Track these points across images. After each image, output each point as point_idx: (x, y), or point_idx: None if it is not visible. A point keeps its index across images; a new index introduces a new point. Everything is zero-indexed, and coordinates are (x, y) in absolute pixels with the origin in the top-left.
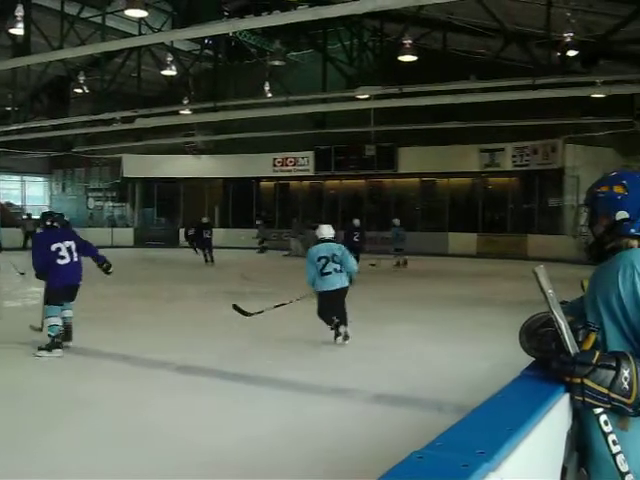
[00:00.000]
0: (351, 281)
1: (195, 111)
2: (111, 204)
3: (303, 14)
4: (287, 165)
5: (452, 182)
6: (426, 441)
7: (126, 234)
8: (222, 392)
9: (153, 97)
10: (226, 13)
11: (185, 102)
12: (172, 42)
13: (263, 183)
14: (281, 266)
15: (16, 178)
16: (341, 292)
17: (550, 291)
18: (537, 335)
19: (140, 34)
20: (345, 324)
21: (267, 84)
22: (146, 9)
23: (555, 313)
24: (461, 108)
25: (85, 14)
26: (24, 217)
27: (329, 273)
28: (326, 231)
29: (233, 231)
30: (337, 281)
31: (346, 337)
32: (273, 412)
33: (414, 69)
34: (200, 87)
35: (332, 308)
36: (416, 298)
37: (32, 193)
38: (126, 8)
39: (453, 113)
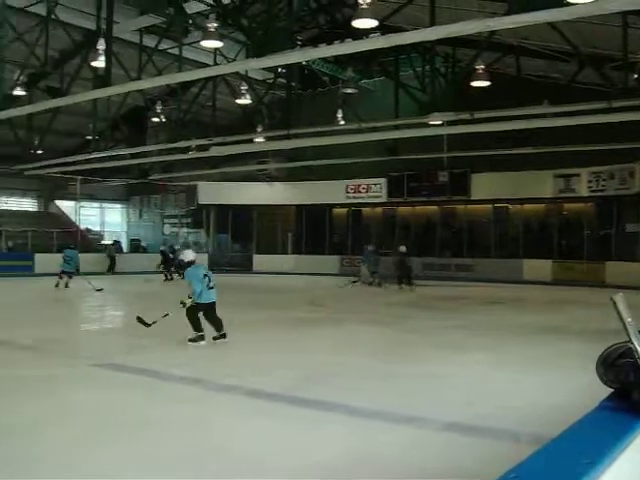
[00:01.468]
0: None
1: (269, 139)
2: (186, 230)
3: (375, 42)
4: (360, 192)
5: (526, 208)
6: (501, 472)
7: (201, 260)
8: (291, 417)
9: (228, 125)
10: (299, 42)
11: (259, 130)
12: (246, 71)
13: (336, 210)
14: (350, 292)
15: (95, 205)
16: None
17: (629, 319)
18: (615, 366)
19: (215, 64)
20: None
21: (340, 111)
22: (221, 40)
23: (635, 343)
24: (535, 133)
25: (163, 46)
26: (109, 243)
27: (213, 287)
28: (192, 255)
29: (306, 257)
30: (216, 294)
31: (225, 336)
32: (342, 438)
33: (487, 94)
34: (274, 115)
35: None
36: (488, 325)
37: (110, 219)
38: (202, 39)
39: (527, 138)
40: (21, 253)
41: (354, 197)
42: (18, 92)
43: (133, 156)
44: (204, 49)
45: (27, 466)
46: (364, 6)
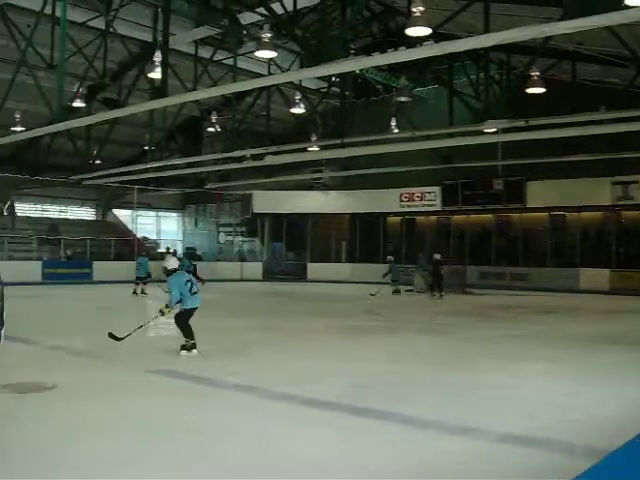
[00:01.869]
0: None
1: (323, 148)
2: (241, 239)
3: (429, 50)
4: (414, 200)
5: (583, 216)
6: None
7: (255, 268)
8: (347, 426)
9: (282, 134)
10: (352, 51)
11: (313, 139)
12: (300, 81)
13: (390, 218)
14: (404, 301)
15: (152, 213)
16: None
17: None
18: None
19: (269, 74)
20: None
21: (393, 120)
22: (275, 50)
23: None
24: (592, 140)
25: (218, 57)
26: (165, 250)
27: (197, 292)
28: (174, 262)
29: (360, 266)
30: (200, 299)
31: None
32: (398, 448)
33: (542, 101)
34: (327, 124)
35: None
36: (544, 335)
37: (166, 228)
38: (256, 50)
39: (583, 145)
40: (80, 261)
41: (408, 206)
42: (77, 104)
43: (189, 165)
44: (258, 59)
45: (76, 468)
46: (417, 14)
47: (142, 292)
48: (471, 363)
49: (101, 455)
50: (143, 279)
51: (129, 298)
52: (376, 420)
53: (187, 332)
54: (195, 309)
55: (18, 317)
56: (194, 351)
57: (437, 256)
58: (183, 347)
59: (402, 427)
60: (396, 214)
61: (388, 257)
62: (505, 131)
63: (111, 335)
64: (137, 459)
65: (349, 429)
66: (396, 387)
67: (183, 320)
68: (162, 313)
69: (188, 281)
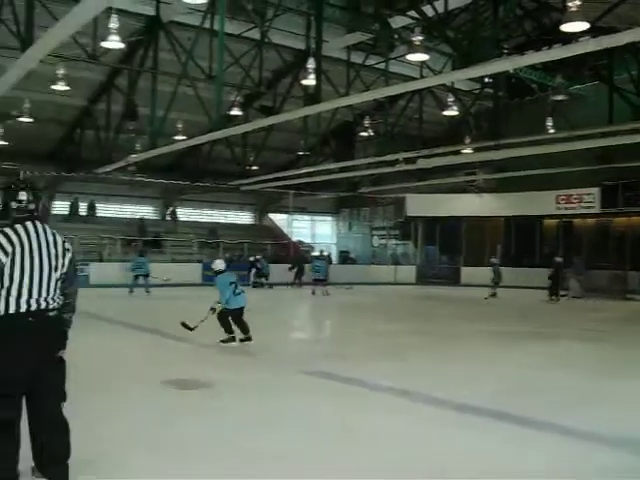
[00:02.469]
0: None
1: (476, 150)
2: (394, 242)
3: (585, 45)
4: (571, 202)
5: None
6: None
7: (408, 272)
8: (496, 433)
9: (434, 137)
10: (505, 51)
11: (466, 141)
12: (453, 83)
13: (546, 221)
14: (558, 306)
15: (306, 218)
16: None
17: None
18: None
19: (421, 77)
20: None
21: (549, 120)
22: (427, 52)
23: None
24: None
25: (369, 61)
26: (319, 253)
27: (240, 293)
28: (221, 264)
29: (515, 270)
30: (246, 299)
31: (250, 339)
32: (552, 458)
33: None
34: (480, 126)
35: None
36: None
37: (320, 231)
38: (408, 53)
39: None
40: (237, 264)
41: (565, 208)
42: (235, 112)
43: (342, 170)
44: (410, 62)
45: (228, 463)
46: (573, 9)
47: (326, 293)
48: (632, 372)
49: (254, 452)
50: (321, 281)
51: (296, 299)
52: (530, 429)
53: (227, 328)
54: (239, 309)
55: (176, 316)
56: (232, 343)
57: (558, 259)
58: (223, 341)
59: (557, 437)
60: (552, 216)
61: (492, 259)
62: None
63: (183, 324)
64: (288, 457)
65: (499, 436)
66: (552, 395)
67: (224, 318)
68: (213, 310)
69: (232, 282)
